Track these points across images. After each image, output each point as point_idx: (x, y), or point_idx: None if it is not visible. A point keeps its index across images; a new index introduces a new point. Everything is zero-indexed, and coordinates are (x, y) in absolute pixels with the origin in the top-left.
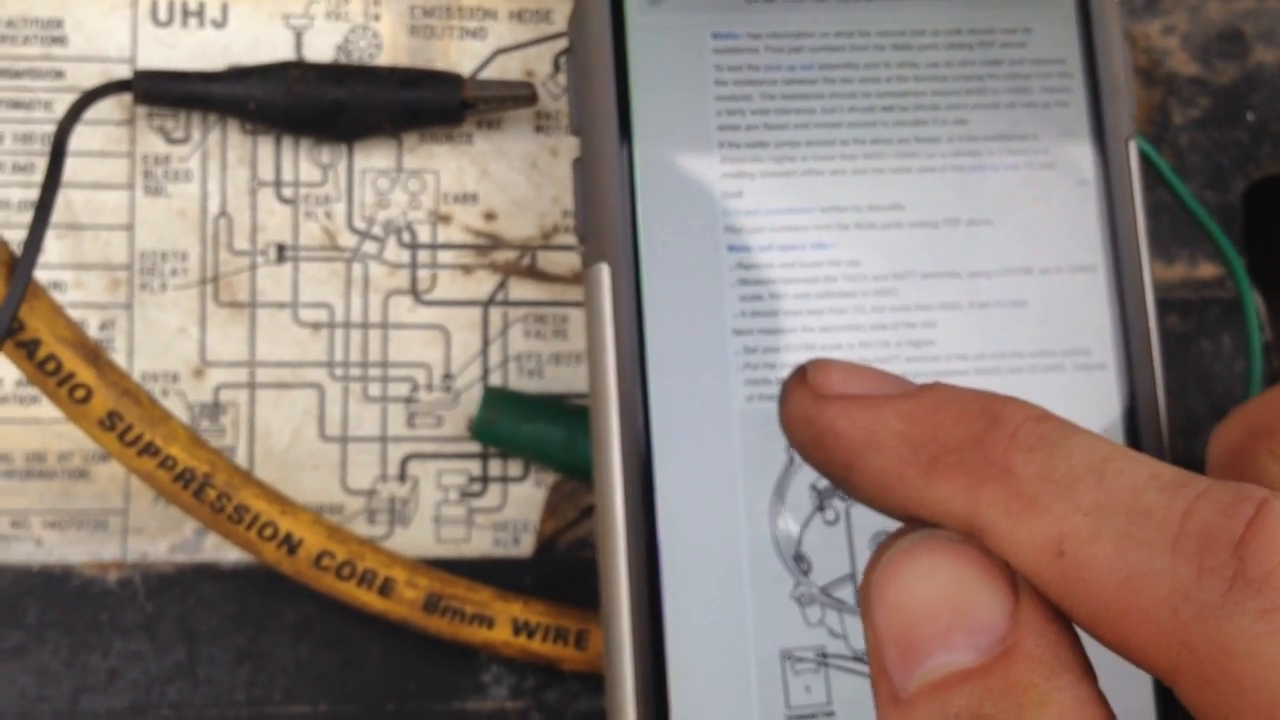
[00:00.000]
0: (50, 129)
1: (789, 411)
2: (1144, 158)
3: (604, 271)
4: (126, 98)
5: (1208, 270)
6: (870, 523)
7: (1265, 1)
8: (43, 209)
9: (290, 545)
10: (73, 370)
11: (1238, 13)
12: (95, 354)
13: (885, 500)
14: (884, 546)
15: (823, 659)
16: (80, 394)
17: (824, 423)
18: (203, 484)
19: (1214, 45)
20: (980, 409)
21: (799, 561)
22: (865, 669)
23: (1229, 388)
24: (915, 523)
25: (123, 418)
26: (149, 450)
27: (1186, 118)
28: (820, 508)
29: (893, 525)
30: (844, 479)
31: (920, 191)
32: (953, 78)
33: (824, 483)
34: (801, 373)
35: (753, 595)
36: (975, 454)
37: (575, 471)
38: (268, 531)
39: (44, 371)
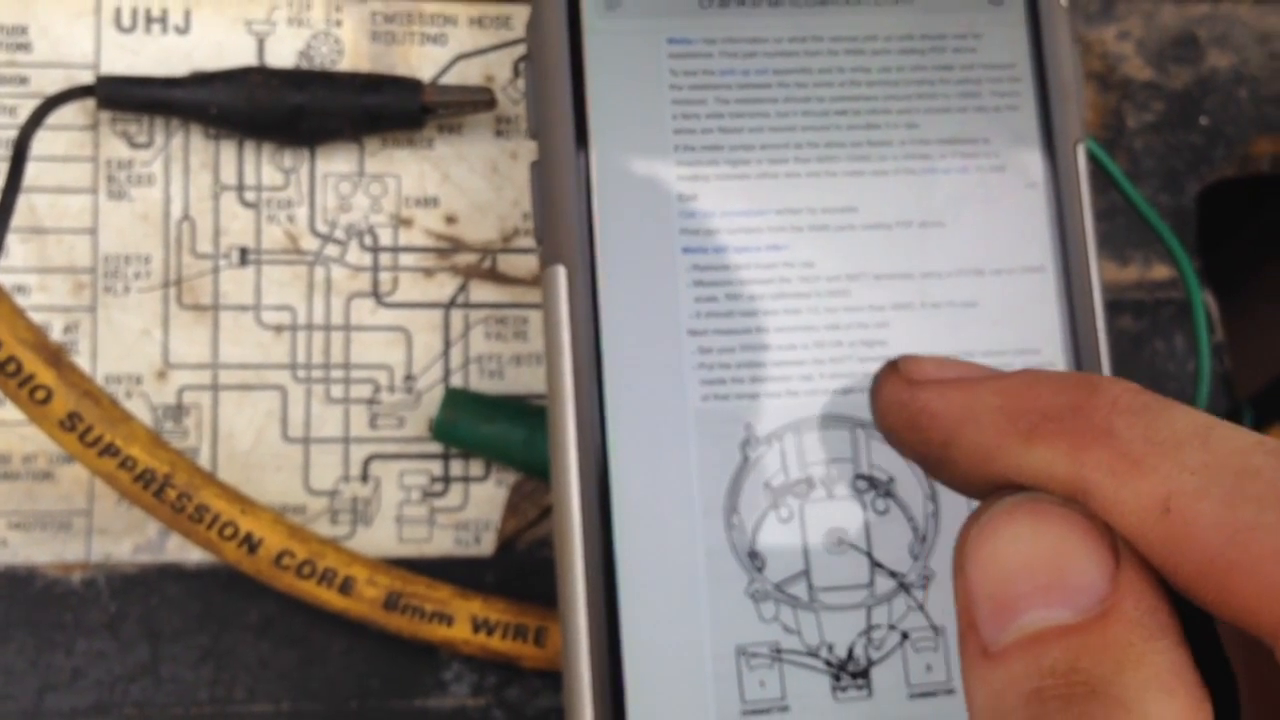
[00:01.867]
0: (14, 135)
1: (883, 398)
2: (1094, 161)
3: (560, 273)
4: (90, 103)
5: (1161, 272)
6: (823, 521)
7: (1218, 7)
8: (3, 213)
9: (250, 544)
10: (33, 372)
11: (1191, 18)
12: (56, 356)
13: (986, 470)
14: (981, 509)
15: (777, 654)
16: (41, 395)
17: (919, 405)
18: (163, 484)
19: (1168, 50)
20: (1077, 381)
21: (753, 559)
22: (817, 664)
23: (1182, 386)
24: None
25: (83, 419)
26: (109, 451)
27: (1141, 122)
28: (774, 506)
29: (841, 525)
30: (940, 458)
31: (873, 194)
32: (904, 82)
33: (778, 481)
34: (892, 365)
35: (708, 592)
36: (1077, 419)
37: (536, 471)
38: (228, 531)
39: (4, 373)
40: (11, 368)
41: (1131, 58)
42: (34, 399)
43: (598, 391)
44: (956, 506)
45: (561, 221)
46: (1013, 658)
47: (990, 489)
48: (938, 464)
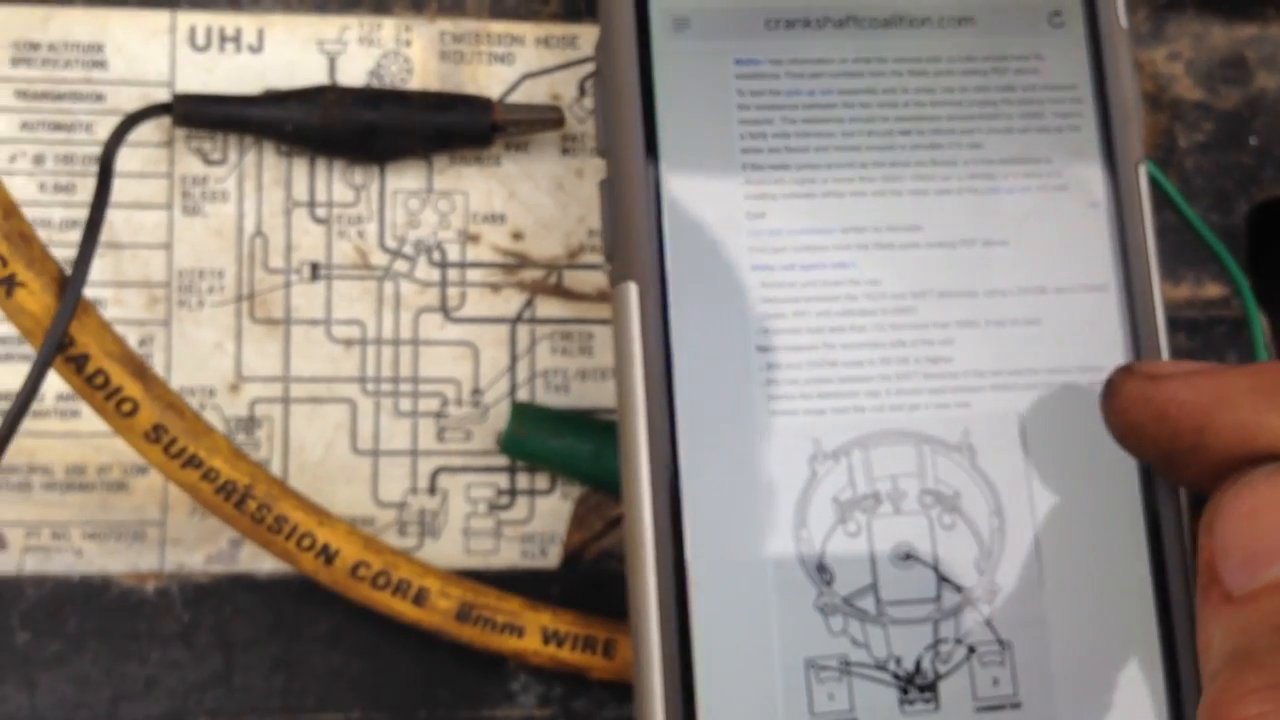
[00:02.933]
0: (90, 150)
1: (1124, 396)
2: (1152, 181)
3: (631, 290)
4: (165, 120)
5: (1213, 290)
6: (890, 535)
7: (1267, 29)
8: (92, 228)
9: (327, 555)
10: (120, 384)
11: (1241, 40)
12: (141, 368)
13: (1247, 447)
14: (1239, 474)
15: (845, 667)
16: (127, 407)
17: (1166, 396)
18: (244, 496)
19: (1218, 71)
20: None
21: (822, 572)
22: (885, 677)
23: None
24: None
25: (168, 431)
26: (192, 462)
27: (1191, 142)
28: (842, 520)
29: (907, 539)
30: (1193, 444)
31: (937, 213)
32: (968, 103)
33: (845, 495)
34: (1126, 368)
35: (777, 605)
36: None
37: (602, 484)
38: (306, 542)
39: (92, 385)
40: (99, 380)
41: (1182, 78)
42: (120, 411)
43: (668, 406)
44: (1021, 522)
45: (632, 239)
46: (1261, 600)
47: (1237, 468)
48: (1188, 451)
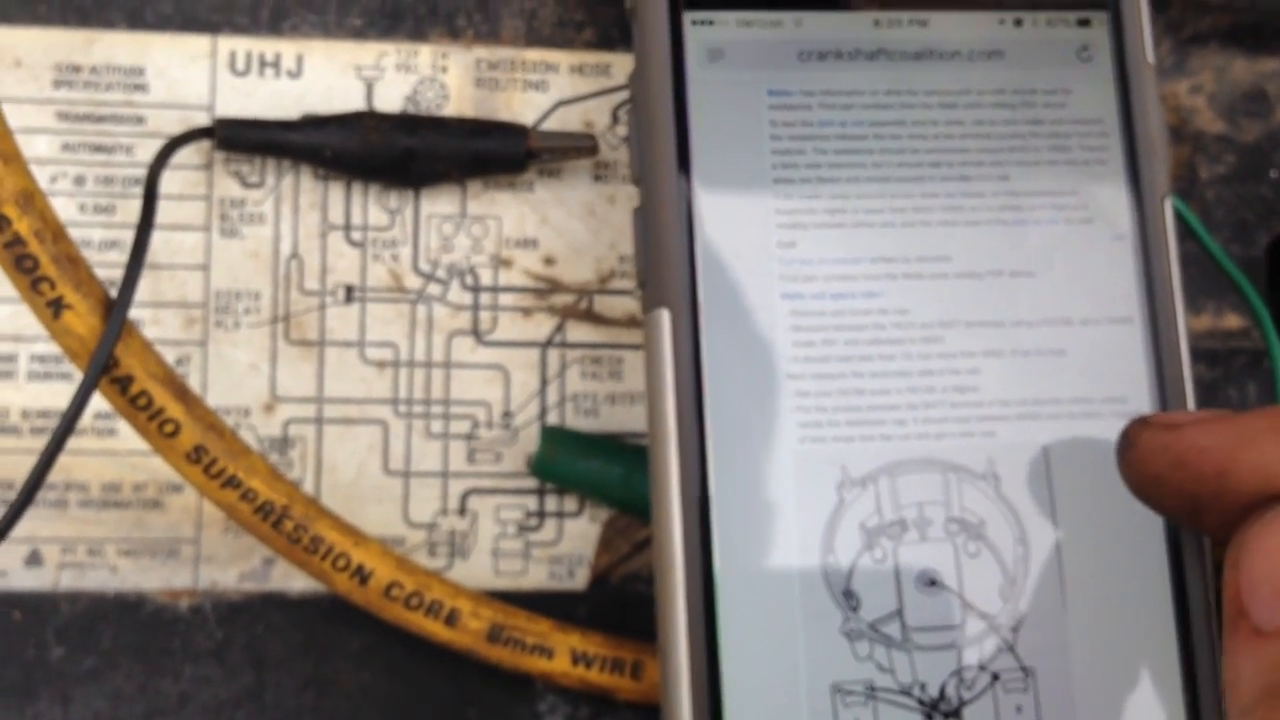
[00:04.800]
0: (130, 172)
1: (1142, 446)
2: (1176, 214)
3: (664, 316)
4: (205, 143)
5: (1233, 321)
6: (916, 562)
7: None
8: (138, 250)
9: (362, 576)
10: (163, 405)
11: (1262, 73)
12: (182, 390)
13: (1271, 487)
14: (1264, 508)
15: (871, 692)
16: (169, 428)
17: (1185, 443)
18: (281, 516)
19: (1239, 104)
20: None
21: (848, 598)
22: (910, 702)
23: None
24: None
25: (208, 451)
26: (231, 483)
27: (1213, 174)
28: (869, 546)
29: (933, 566)
30: (1216, 490)
31: (965, 243)
32: (996, 135)
33: (872, 522)
34: (1142, 419)
35: (804, 630)
36: None
37: (631, 508)
38: (340, 562)
39: (136, 406)
40: (143, 401)
41: (1204, 111)
42: (162, 432)
43: (699, 432)
44: (1045, 551)
45: (665, 266)
46: None
47: (1260, 505)
48: (1210, 497)
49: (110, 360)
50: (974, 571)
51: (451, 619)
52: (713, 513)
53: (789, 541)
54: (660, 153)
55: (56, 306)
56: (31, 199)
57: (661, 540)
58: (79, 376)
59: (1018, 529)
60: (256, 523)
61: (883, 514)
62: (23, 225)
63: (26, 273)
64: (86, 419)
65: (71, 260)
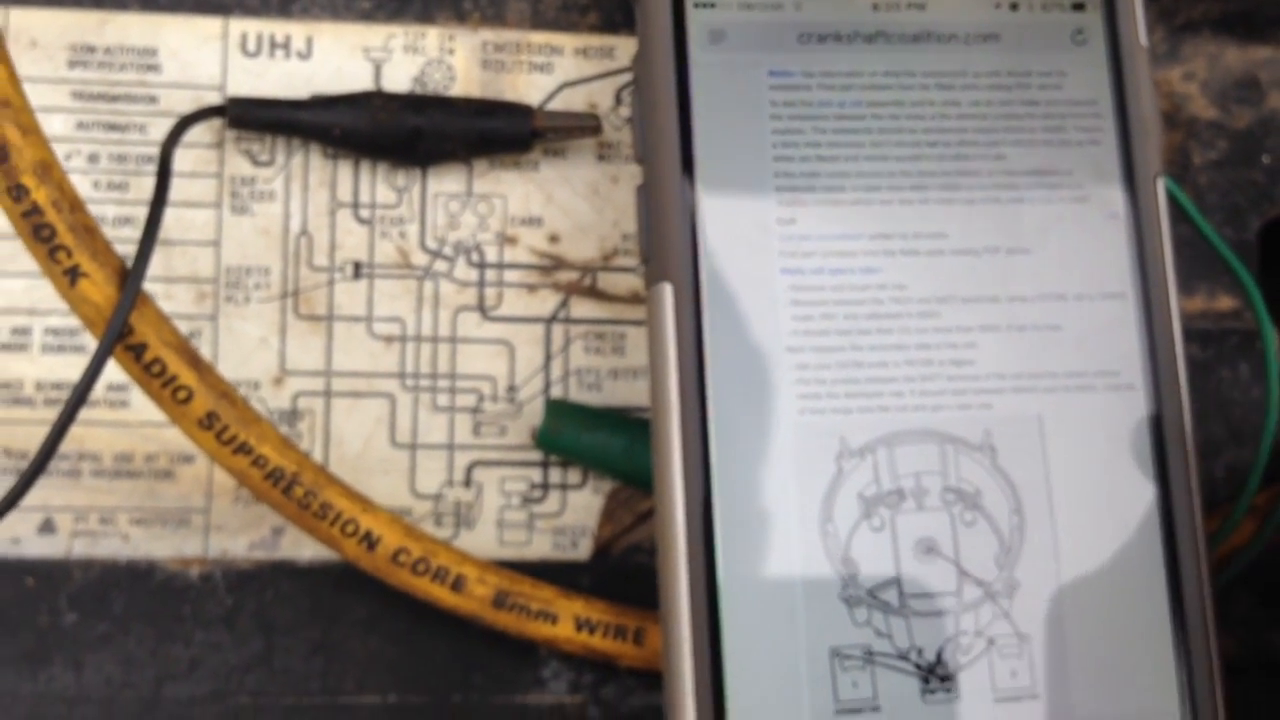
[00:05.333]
0: (143, 150)
1: None
2: (1169, 195)
3: (667, 290)
4: (217, 122)
5: (1225, 302)
6: (913, 530)
7: (1279, 51)
8: (152, 223)
9: (370, 541)
10: (176, 373)
11: (1254, 61)
12: (195, 358)
13: None
14: None
15: (869, 656)
16: (182, 395)
17: None
18: (291, 482)
19: (1231, 91)
20: None
21: (846, 565)
22: (907, 666)
23: (1246, 413)
24: None
25: (220, 418)
26: (243, 449)
27: (1205, 159)
28: (867, 515)
29: (930, 535)
30: None
31: (962, 221)
32: (992, 116)
33: (870, 491)
34: None
35: (804, 596)
36: None
37: (633, 480)
38: (349, 528)
39: (150, 374)
40: (156, 368)
41: (1197, 98)
42: (175, 398)
43: (700, 403)
44: (1040, 520)
45: (667, 242)
46: None
47: None
48: None
49: (125, 328)
50: (970, 540)
51: (458, 585)
52: (714, 483)
53: (789, 511)
54: (663, 133)
55: (73, 275)
56: (49, 169)
57: (664, 510)
58: (92, 349)
59: (1013, 499)
60: (267, 489)
61: (881, 484)
62: (40, 195)
63: (44, 241)
64: (99, 390)
65: (88, 230)
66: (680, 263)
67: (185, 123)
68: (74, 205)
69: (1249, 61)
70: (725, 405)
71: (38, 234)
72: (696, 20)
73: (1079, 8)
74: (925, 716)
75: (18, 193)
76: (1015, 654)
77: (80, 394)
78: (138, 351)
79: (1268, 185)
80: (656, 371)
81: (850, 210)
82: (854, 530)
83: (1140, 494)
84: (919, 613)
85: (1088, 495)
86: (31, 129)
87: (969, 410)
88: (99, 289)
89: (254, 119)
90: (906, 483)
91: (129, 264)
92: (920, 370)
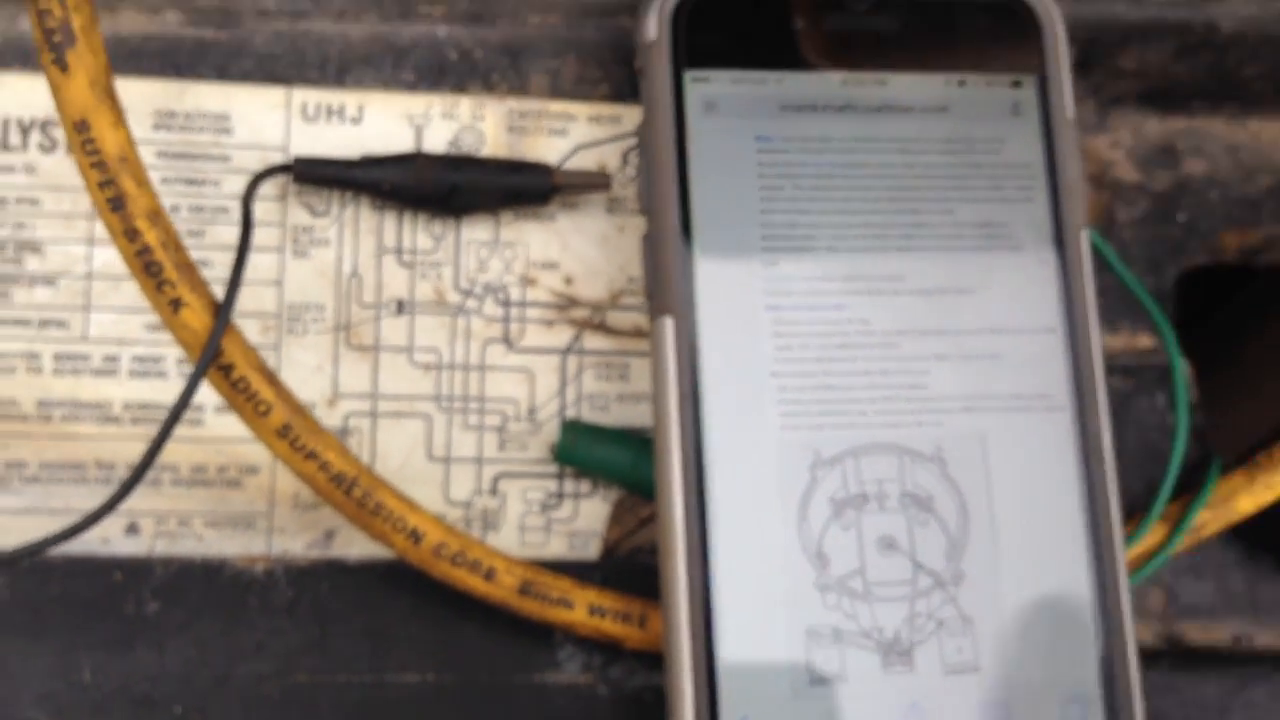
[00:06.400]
0: (217, 203)
1: None
2: (1094, 246)
3: (668, 323)
4: (281, 178)
5: (1145, 340)
6: (875, 528)
7: (1193, 121)
8: (240, 259)
9: (416, 536)
10: (258, 389)
11: (1173, 131)
12: (273, 378)
13: None
14: None
15: (838, 635)
16: (263, 409)
17: None
18: (351, 485)
19: (1152, 158)
20: None
21: (820, 558)
22: (870, 644)
23: (1161, 437)
24: None
25: (293, 429)
26: (311, 456)
27: (1129, 217)
28: (837, 516)
29: (889, 532)
30: None
31: (917, 266)
32: (943, 176)
33: (839, 495)
34: None
35: (784, 584)
36: None
37: (638, 489)
38: (399, 525)
39: (236, 390)
40: (242, 386)
41: (1121, 163)
42: (257, 411)
43: (696, 422)
44: (982, 520)
45: (668, 282)
46: None
47: None
48: None
49: (217, 350)
50: (923, 537)
51: (490, 575)
52: (708, 490)
53: (771, 512)
54: (664, 189)
55: (176, 304)
56: (158, 215)
57: (665, 513)
58: (172, 375)
59: (960, 502)
60: (331, 490)
61: (848, 489)
62: (151, 236)
63: (153, 276)
64: None
65: (188, 267)
66: (679, 300)
67: (259, 178)
68: (177, 246)
69: (1168, 131)
70: (717, 423)
71: (149, 270)
72: (694, 92)
73: (1017, 85)
74: (885, 686)
75: (132, 235)
76: (961, 633)
77: (180, 406)
78: (227, 370)
79: (1184, 240)
80: (659, 393)
81: (823, 256)
82: (826, 528)
83: (1068, 501)
84: (880, 598)
85: (1024, 501)
86: (143, 181)
87: (923, 427)
88: (197, 316)
89: (315, 175)
90: (870, 488)
91: (217, 298)
92: (882, 393)
